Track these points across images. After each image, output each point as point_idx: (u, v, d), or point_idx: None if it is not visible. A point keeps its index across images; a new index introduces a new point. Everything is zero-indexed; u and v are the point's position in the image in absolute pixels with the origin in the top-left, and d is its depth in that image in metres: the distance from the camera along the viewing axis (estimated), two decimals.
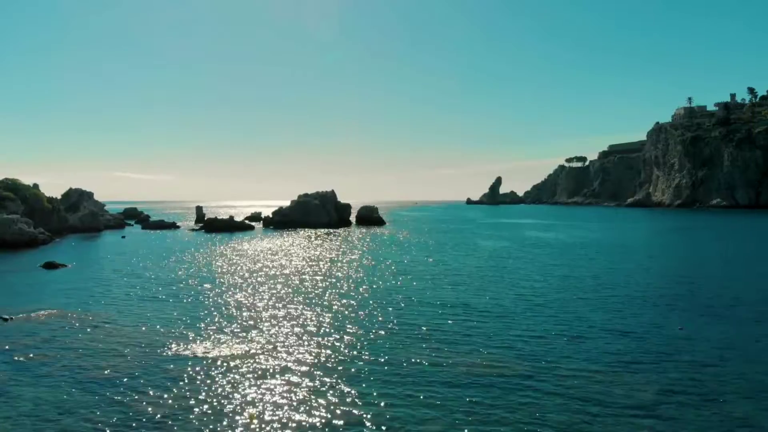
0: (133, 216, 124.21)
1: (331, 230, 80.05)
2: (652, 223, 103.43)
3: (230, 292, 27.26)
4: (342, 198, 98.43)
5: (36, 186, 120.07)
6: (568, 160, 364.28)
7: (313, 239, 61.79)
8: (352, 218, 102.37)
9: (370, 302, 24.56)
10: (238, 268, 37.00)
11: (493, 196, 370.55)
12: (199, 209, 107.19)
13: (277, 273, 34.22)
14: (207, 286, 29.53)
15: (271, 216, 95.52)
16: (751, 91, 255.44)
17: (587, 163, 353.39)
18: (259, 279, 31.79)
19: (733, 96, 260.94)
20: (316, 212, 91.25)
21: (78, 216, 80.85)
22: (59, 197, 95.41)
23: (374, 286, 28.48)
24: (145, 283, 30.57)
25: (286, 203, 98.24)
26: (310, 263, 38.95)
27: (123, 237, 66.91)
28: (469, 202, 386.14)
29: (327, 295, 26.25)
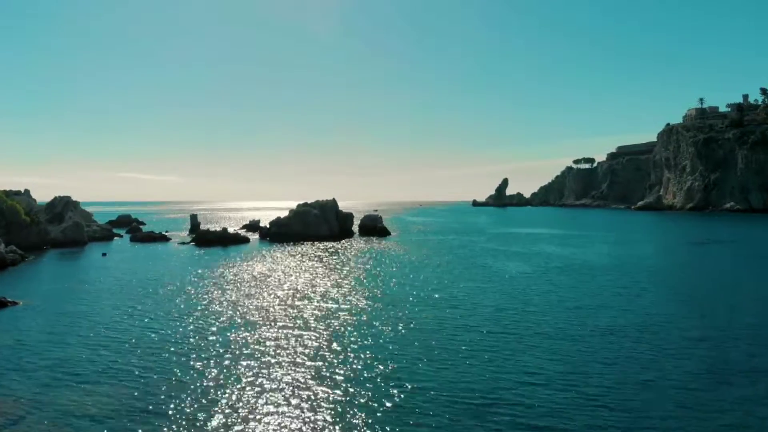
0: (126, 223, 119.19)
1: (331, 244, 74.40)
2: (673, 232, 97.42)
3: (189, 368, 21.53)
4: (346, 198, 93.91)
5: (27, 192, 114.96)
6: (576, 162, 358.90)
7: (307, 260, 56.07)
8: (355, 228, 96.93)
9: (355, 395, 18.86)
10: (213, 315, 31.37)
11: (500, 198, 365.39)
12: (193, 218, 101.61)
13: (253, 330, 28.59)
14: (164, 352, 23.89)
15: (268, 226, 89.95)
16: (764, 91, 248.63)
17: (595, 164, 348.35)
18: (227, 341, 26.15)
19: (745, 97, 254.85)
20: (316, 223, 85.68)
21: (60, 229, 75.50)
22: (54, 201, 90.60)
23: (363, 361, 22.56)
24: (92, 339, 25.02)
25: (288, 204, 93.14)
26: (292, 309, 33.31)
27: (104, 254, 61.41)
28: (475, 204, 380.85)
29: (291, 383, 19.27)
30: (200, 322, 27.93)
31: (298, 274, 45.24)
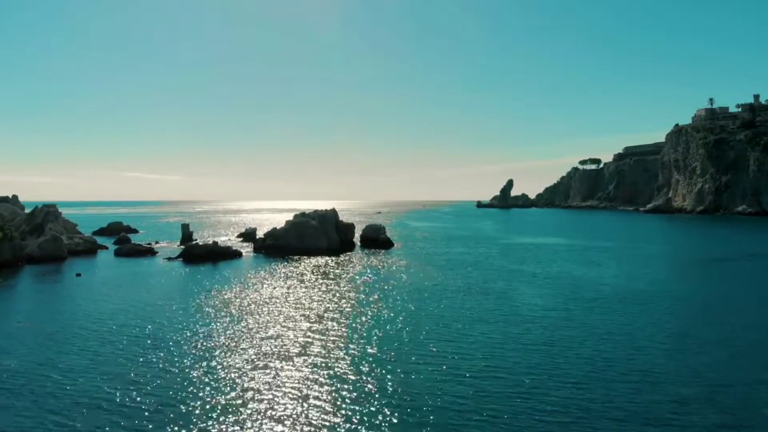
0: (117, 231, 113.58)
1: (329, 260, 68.72)
2: (696, 242, 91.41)
3: None
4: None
5: (15, 198, 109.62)
6: (582, 162, 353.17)
7: (297, 285, 50.20)
8: (357, 238, 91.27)
9: None
10: (182, 375, 25.74)
11: (505, 199, 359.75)
12: (185, 227, 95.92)
13: (223, 402, 22.92)
14: None
15: (263, 238, 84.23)
16: None
17: (601, 165, 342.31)
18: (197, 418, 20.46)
19: (756, 97, 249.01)
20: (314, 235, 79.92)
21: (37, 243, 69.80)
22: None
23: None
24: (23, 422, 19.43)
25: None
26: (269, 369, 27.65)
27: (78, 275, 55.68)
28: (479, 205, 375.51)
29: None
30: (162, 386, 22.18)
31: (284, 306, 39.50)
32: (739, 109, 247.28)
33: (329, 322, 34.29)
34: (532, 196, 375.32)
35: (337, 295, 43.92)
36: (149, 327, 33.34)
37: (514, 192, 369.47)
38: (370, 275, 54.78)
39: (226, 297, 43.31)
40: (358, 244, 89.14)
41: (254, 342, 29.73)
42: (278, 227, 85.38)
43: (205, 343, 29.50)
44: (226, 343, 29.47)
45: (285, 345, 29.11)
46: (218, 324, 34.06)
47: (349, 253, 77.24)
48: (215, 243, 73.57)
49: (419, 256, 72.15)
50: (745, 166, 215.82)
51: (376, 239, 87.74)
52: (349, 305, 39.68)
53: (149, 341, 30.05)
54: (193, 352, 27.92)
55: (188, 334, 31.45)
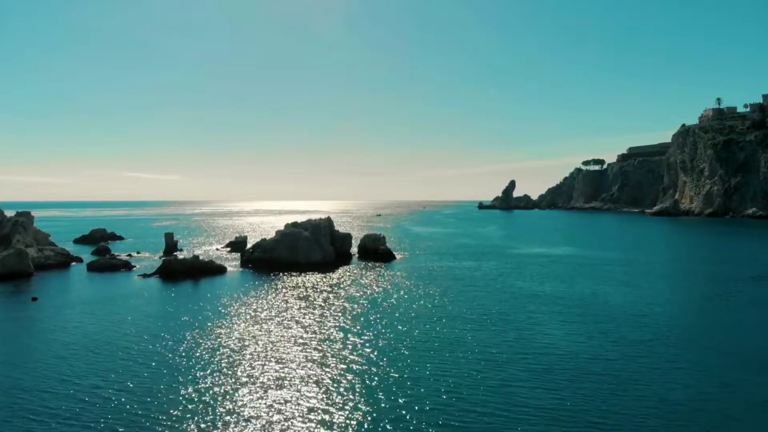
0: (98, 239, 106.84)
1: (322, 277, 61.84)
2: (727, 252, 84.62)
3: None
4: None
5: None
6: (585, 163, 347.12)
7: (283, 314, 43.50)
8: (354, 248, 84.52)
9: None
10: None
11: (507, 200, 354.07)
12: (169, 237, 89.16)
13: None
14: None
15: (251, 250, 77.30)
16: None
17: (605, 166, 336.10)
18: None
19: (765, 97, 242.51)
20: (307, 247, 73.05)
21: None
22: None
23: None
24: None
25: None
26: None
27: (34, 299, 48.76)
28: (481, 206, 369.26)
29: None
30: None
31: (263, 346, 32.63)
32: (748, 109, 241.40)
33: (311, 377, 27.38)
34: (533, 196, 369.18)
35: (325, 330, 36.98)
36: (100, 386, 26.40)
37: (515, 192, 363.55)
38: (366, 301, 47.94)
39: (197, 333, 36.36)
40: (356, 255, 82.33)
41: (224, 398, 22.81)
42: (268, 238, 78.57)
43: (165, 402, 22.57)
44: (189, 401, 22.54)
45: (256, 402, 22.18)
46: (185, 373, 27.11)
47: (345, 267, 70.37)
48: (196, 257, 66.54)
49: (423, 273, 65.05)
50: (755, 167, 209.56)
51: (375, 250, 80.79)
52: (338, 345, 32.76)
53: (94, 404, 23.13)
54: (149, 410, 21.00)
55: (147, 390, 24.51)
